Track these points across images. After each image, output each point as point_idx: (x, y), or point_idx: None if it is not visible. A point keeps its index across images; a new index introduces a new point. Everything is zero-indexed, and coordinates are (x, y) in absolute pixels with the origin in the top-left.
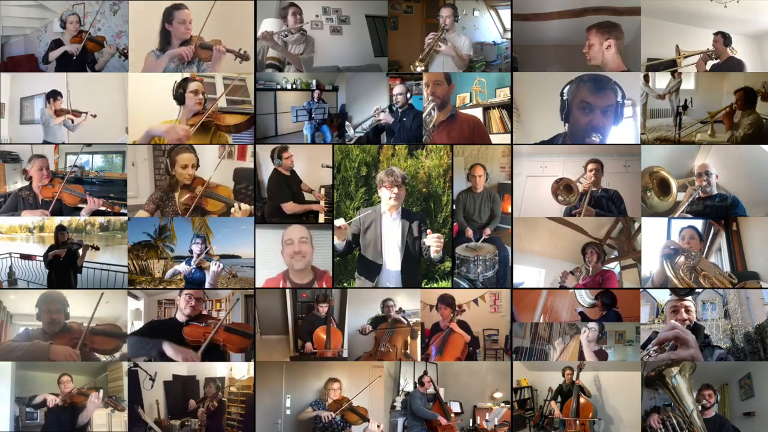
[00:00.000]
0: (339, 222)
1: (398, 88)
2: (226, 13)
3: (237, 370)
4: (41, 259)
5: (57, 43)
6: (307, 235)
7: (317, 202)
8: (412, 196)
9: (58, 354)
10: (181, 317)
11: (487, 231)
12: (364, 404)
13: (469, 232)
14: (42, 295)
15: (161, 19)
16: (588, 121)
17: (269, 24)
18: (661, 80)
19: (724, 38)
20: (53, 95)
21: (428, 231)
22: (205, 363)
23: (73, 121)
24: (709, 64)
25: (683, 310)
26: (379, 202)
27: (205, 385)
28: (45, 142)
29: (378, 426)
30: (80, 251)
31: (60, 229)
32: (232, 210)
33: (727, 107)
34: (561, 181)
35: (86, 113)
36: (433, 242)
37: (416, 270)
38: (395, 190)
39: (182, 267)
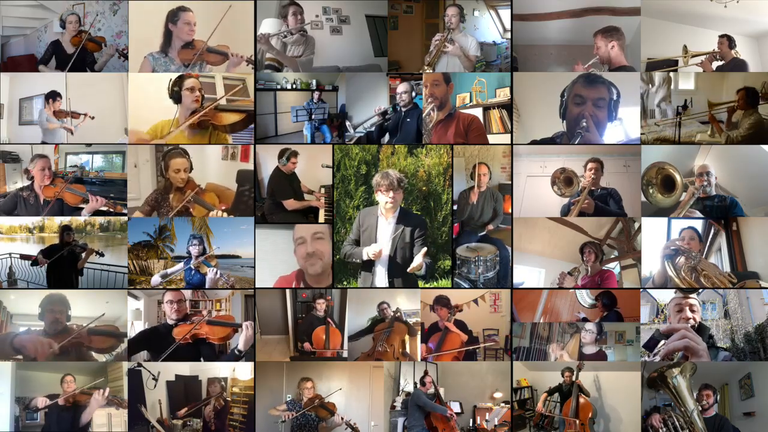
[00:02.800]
0: (376, 248)
1: (402, 87)
2: (227, 14)
3: (240, 370)
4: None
5: (55, 45)
6: (323, 230)
7: (317, 199)
8: (411, 195)
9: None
10: (171, 321)
11: (490, 227)
12: (363, 404)
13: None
14: (46, 296)
15: (165, 19)
16: (579, 112)
17: (269, 24)
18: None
19: (729, 41)
20: (52, 96)
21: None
22: (207, 363)
23: (72, 127)
24: (715, 64)
25: (688, 308)
26: (377, 203)
27: (208, 384)
28: (43, 143)
29: (342, 418)
30: (83, 255)
31: (66, 229)
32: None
33: (729, 102)
34: (564, 171)
35: (85, 115)
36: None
37: (405, 276)
38: (391, 194)
39: (156, 278)
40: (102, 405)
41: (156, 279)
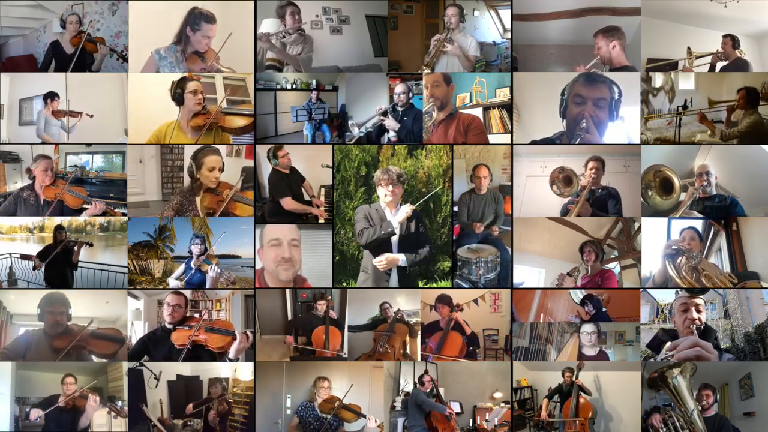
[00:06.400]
0: (407, 209)
1: (400, 87)
2: (227, 14)
3: (241, 371)
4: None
5: (54, 47)
6: (299, 238)
7: (317, 207)
8: (412, 196)
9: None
10: (167, 323)
11: (496, 229)
12: (363, 404)
13: (479, 227)
14: (45, 296)
15: (185, 18)
16: (579, 112)
17: (269, 24)
18: (659, 80)
19: (732, 41)
20: (51, 96)
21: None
22: (208, 363)
23: (68, 122)
24: (719, 65)
25: (694, 308)
26: (378, 199)
27: (209, 385)
28: (43, 142)
29: (375, 421)
30: (75, 248)
31: (58, 228)
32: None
33: (729, 100)
34: (563, 171)
35: (81, 113)
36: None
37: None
38: (390, 187)
39: (172, 281)
40: (97, 410)
41: (175, 282)
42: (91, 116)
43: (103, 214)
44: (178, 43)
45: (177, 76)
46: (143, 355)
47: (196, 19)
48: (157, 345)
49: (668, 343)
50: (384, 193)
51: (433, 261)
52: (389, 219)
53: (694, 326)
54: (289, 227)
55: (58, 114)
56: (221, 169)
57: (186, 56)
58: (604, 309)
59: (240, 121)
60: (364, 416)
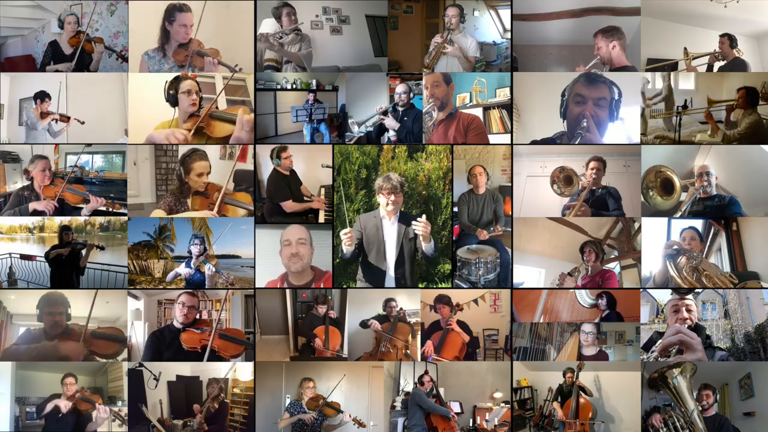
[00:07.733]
0: (344, 231)
1: (401, 87)
2: (227, 14)
3: (241, 371)
4: (41, 259)
5: (53, 46)
6: (306, 236)
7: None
8: (412, 199)
9: (66, 349)
10: (177, 323)
11: (499, 229)
12: (363, 404)
13: (483, 234)
14: (43, 297)
15: (162, 17)
16: (580, 111)
17: (268, 24)
18: (659, 81)
19: (730, 40)
20: (41, 96)
21: (416, 220)
22: (208, 363)
23: (55, 125)
24: (717, 65)
25: (684, 309)
26: (378, 205)
27: (208, 385)
28: (25, 143)
29: (348, 415)
30: (84, 251)
31: (65, 229)
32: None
33: (729, 100)
34: (564, 170)
35: (69, 118)
36: (419, 228)
37: (412, 272)
38: (392, 197)
39: (182, 269)
40: (106, 419)
41: (185, 270)
42: (83, 123)
43: (104, 212)
44: (163, 40)
45: (170, 76)
46: (150, 354)
47: (171, 12)
48: (168, 346)
49: (659, 341)
50: (386, 202)
51: (433, 263)
52: (384, 233)
53: (685, 326)
54: (298, 228)
55: (45, 116)
56: (208, 173)
57: (172, 52)
58: (617, 311)
59: (222, 130)
60: (342, 412)
